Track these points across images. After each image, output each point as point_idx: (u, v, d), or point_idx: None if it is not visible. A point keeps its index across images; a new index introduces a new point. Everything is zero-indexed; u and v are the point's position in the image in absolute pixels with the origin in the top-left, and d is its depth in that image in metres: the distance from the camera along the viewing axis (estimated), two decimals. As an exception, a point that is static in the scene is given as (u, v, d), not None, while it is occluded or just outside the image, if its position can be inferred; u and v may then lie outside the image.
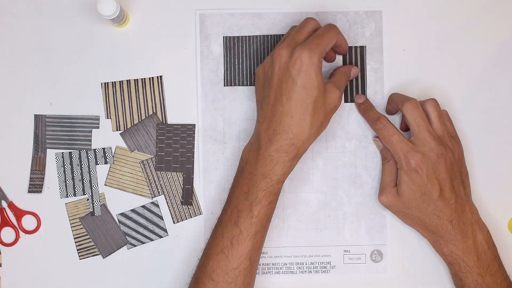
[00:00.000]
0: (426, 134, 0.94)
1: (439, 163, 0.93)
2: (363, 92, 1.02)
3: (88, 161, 1.02)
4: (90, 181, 1.02)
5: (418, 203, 0.95)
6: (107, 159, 1.02)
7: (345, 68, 1.01)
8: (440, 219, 0.95)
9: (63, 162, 1.02)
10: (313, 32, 0.95)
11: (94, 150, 1.02)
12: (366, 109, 1.01)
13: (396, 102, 0.98)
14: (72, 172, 1.02)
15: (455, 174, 0.95)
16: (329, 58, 1.02)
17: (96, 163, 1.02)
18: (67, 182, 1.02)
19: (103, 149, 1.02)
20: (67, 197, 1.02)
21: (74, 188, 1.02)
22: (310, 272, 1.02)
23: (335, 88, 0.94)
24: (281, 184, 0.94)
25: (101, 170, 1.02)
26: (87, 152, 1.02)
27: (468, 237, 0.95)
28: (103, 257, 1.01)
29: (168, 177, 1.02)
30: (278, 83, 0.92)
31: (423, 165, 0.93)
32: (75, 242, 1.01)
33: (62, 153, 1.02)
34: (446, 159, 0.94)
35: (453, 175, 0.95)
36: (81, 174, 1.02)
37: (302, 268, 1.02)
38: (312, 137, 0.94)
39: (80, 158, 1.02)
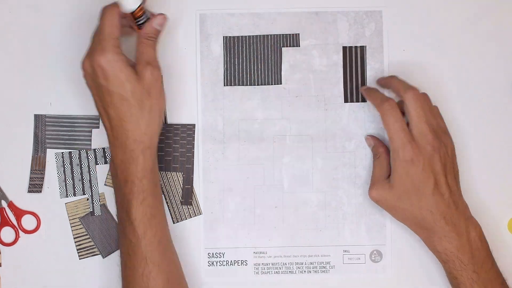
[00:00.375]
0: (425, 125, 0.93)
1: (434, 156, 0.93)
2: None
3: (88, 161, 1.02)
4: (90, 181, 1.02)
5: (411, 196, 0.94)
6: (107, 159, 1.02)
7: (144, 31, 0.95)
8: (433, 214, 0.94)
9: (63, 162, 1.02)
10: None
11: (94, 150, 1.02)
12: (373, 90, 1.00)
13: (397, 88, 0.97)
14: (72, 172, 1.02)
15: (449, 169, 0.95)
16: (149, 31, 0.96)
17: (96, 163, 1.02)
18: (67, 181, 1.02)
19: (103, 149, 1.02)
20: (67, 196, 1.02)
21: (74, 188, 1.02)
22: (310, 272, 1.02)
23: (143, 66, 0.92)
24: (145, 180, 0.92)
25: (101, 170, 1.02)
26: (87, 152, 1.02)
27: (462, 234, 0.94)
28: (103, 257, 1.01)
29: (168, 177, 1.02)
30: (97, 95, 0.93)
31: (420, 157, 0.93)
32: (75, 242, 1.01)
33: (62, 153, 1.02)
34: (441, 153, 0.94)
35: (447, 170, 0.94)
36: (81, 174, 1.02)
37: (301, 268, 1.02)
38: (152, 123, 0.93)
39: (80, 158, 1.02)
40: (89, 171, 1.02)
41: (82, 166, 1.02)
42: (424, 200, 0.94)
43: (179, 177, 1.02)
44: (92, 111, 1.01)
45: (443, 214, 0.94)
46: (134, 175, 0.92)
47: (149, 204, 0.92)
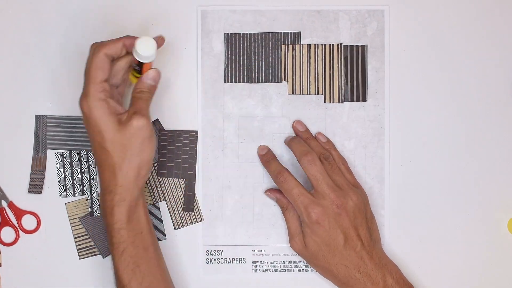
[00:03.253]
0: (325, 187, 0.94)
1: (340, 214, 0.93)
2: (364, 91, 1.02)
3: (88, 161, 1.01)
4: (89, 181, 1.02)
5: (324, 254, 0.95)
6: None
7: (138, 86, 0.93)
8: (347, 268, 0.94)
9: (63, 162, 1.01)
10: None
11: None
12: (268, 161, 1.00)
13: (294, 153, 0.98)
14: (72, 172, 1.01)
15: (360, 221, 0.95)
16: (141, 86, 0.93)
17: (96, 164, 1.01)
18: (67, 182, 1.01)
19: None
20: (66, 196, 1.01)
21: (73, 188, 1.01)
22: (308, 270, 1.02)
23: (131, 116, 0.89)
24: (123, 231, 0.91)
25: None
26: (87, 153, 1.02)
27: (378, 283, 0.94)
28: (103, 257, 1.01)
29: (170, 183, 1.02)
30: (89, 141, 0.92)
31: (324, 217, 0.93)
32: (75, 242, 1.01)
33: (62, 153, 1.01)
34: (348, 208, 0.94)
35: (357, 223, 0.94)
36: (81, 174, 1.02)
37: (299, 266, 1.02)
38: (129, 176, 0.90)
39: (80, 158, 1.02)
40: (89, 172, 1.02)
41: (82, 166, 1.02)
42: (338, 256, 0.94)
43: (181, 183, 1.02)
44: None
45: (357, 266, 0.94)
46: (111, 226, 0.91)
47: (131, 254, 0.91)
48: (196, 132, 1.02)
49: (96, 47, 0.90)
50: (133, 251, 0.91)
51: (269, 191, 1.01)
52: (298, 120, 1.02)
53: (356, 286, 0.94)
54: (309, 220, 0.94)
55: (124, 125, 0.89)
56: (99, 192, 0.99)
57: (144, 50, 0.91)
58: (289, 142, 1.00)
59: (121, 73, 0.94)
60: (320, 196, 0.94)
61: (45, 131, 1.01)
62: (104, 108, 0.89)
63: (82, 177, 1.02)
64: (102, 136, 0.88)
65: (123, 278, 0.90)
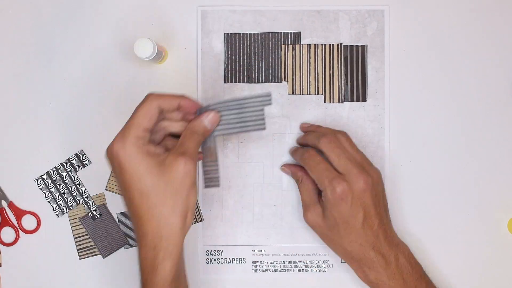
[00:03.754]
0: (347, 161, 0.93)
1: (364, 190, 0.92)
2: (364, 91, 1.02)
3: (67, 171, 1.01)
4: (77, 189, 1.02)
5: (340, 230, 0.94)
6: (84, 162, 1.01)
7: (192, 123, 0.88)
8: (362, 247, 0.94)
9: (45, 183, 1.01)
10: None
11: (68, 159, 1.01)
12: (295, 150, 1.00)
13: (312, 141, 0.97)
14: (58, 189, 1.01)
15: (379, 199, 0.95)
16: (196, 125, 0.89)
17: (76, 170, 1.02)
18: (57, 200, 1.01)
19: (75, 154, 1.01)
20: (63, 213, 1.02)
21: (66, 202, 1.01)
22: (308, 270, 1.02)
23: (176, 157, 0.83)
24: None
25: (83, 174, 1.02)
26: (62, 165, 1.01)
27: (391, 262, 0.94)
28: (103, 257, 1.02)
29: (171, 183, 1.01)
30: (121, 190, 0.84)
31: (349, 192, 0.92)
32: (75, 242, 1.01)
33: (41, 176, 1.01)
34: (371, 186, 0.93)
35: (376, 201, 0.94)
36: (66, 187, 1.01)
37: (299, 266, 1.02)
38: (174, 227, 0.83)
39: (58, 173, 1.01)
40: (72, 181, 1.02)
41: (64, 179, 1.02)
42: (354, 234, 0.93)
43: (182, 184, 1.01)
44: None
45: (372, 245, 0.94)
46: (153, 284, 0.83)
47: None
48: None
49: (151, 96, 0.85)
50: None
51: (284, 165, 1.01)
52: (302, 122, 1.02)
53: (369, 264, 0.94)
54: (332, 195, 0.92)
55: (169, 167, 0.82)
56: (136, 243, 0.88)
57: (141, 52, 0.92)
58: (303, 137, 1.00)
59: (163, 132, 0.89)
60: (343, 171, 0.93)
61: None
62: (144, 153, 0.82)
63: (68, 189, 1.02)
64: (144, 181, 0.82)
65: None
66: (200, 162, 0.94)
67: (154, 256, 0.82)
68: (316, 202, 0.96)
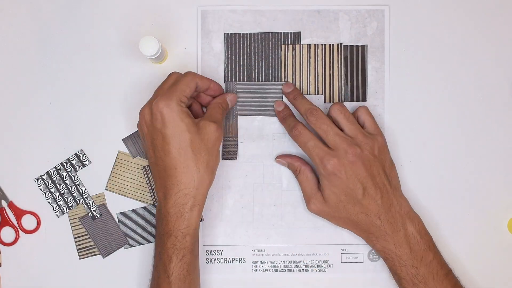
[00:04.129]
0: (335, 137, 0.94)
1: (356, 163, 0.93)
2: (364, 91, 1.02)
3: (67, 171, 1.02)
4: (77, 189, 1.02)
5: (344, 205, 0.95)
6: (84, 162, 1.01)
7: (219, 99, 0.99)
8: (368, 216, 0.95)
9: (45, 183, 1.01)
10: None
11: (68, 159, 1.01)
12: (285, 117, 1.00)
13: (299, 111, 0.98)
14: (58, 189, 1.01)
15: (377, 170, 0.95)
16: (205, 103, 1.01)
17: (76, 170, 1.02)
18: (57, 200, 1.01)
19: (75, 154, 1.02)
20: (63, 213, 1.02)
21: (66, 202, 1.02)
22: (308, 270, 1.02)
23: (209, 122, 0.93)
24: (188, 237, 0.93)
25: (83, 174, 1.02)
26: (62, 165, 1.02)
27: (398, 231, 0.95)
28: (103, 257, 1.02)
29: (172, 183, 1.02)
30: (151, 141, 0.93)
31: (341, 167, 0.93)
32: (75, 242, 1.01)
33: (41, 176, 1.01)
34: (363, 157, 0.94)
35: (374, 172, 0.95)
36: (66, 186, 1.02)
37: (299, 266, 1.02)
38: (205, 180, 0.93)
39: (58, 173, 1.02)
40: (72, 181, 1.02)
41: (64, 179, 1.02)
42: (358, 205, 0.95)
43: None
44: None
45: (377, 214, 0.95)
46: (179, 231, 0.92)
47: (188, 261, 0.93)
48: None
49: (191, 73, 0.96)
50: (190, 258, 0.93)
51: (279, 157, 1.02)
52: (286, 83, 1.02)
53: (377, 233, 0.95)
54: (325, 172, 0.94)
55: (203, 129, 0.93)
56: (155, 196, 1.01)
57: (147, 50, 0.93)
58: (293, 102, 1.00)
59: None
60: (333, 147, 0.94)
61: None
62: (186, 113, 0.92)
63: (68, 189, 1.02)
64: (184, 137, 0.91)
65: (174, 284, 0.92)
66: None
67: (184, 203, 0.92)
68: (317, 191, 0.98)
